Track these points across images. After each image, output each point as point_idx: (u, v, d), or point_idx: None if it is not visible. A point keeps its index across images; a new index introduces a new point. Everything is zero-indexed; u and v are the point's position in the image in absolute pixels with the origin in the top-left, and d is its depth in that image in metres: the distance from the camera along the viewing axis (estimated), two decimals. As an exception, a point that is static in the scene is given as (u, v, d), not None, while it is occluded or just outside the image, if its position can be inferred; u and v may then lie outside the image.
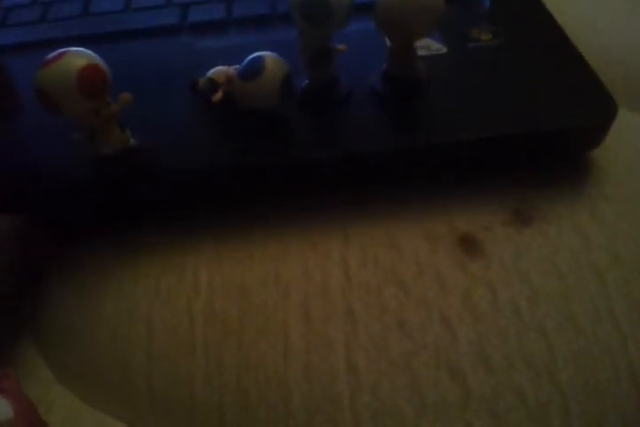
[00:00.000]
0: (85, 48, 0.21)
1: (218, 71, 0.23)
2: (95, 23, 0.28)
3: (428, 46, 0.25)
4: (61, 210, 0.23)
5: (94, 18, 0.28)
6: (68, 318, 0.23)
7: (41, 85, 0.19)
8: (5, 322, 0.22)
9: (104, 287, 0.23)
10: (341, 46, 0.23)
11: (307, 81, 0.24)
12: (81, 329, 0.22)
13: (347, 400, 0.20)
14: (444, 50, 0.25)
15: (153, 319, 0.22)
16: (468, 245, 0.23)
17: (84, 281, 0.23)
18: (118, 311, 0.22)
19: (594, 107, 0.23)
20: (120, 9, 0.29)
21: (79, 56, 0.20)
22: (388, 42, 0.24)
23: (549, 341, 0.20)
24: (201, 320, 0.22)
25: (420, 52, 0.24)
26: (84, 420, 0.21)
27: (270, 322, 0.21)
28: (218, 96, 0.22)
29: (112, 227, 0.24)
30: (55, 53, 0.20)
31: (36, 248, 0.22)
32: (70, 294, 0.23)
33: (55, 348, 0.22)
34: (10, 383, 0.16)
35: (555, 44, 0.25)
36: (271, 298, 0.22)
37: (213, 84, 0.23)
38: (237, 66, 0.22)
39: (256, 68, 0.21)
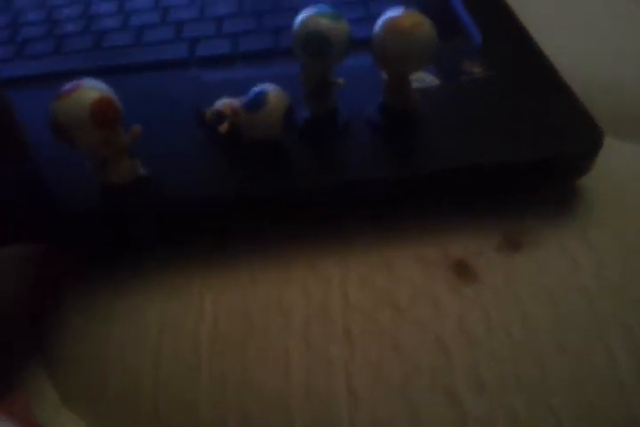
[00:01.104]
0: (97, 80, 0.22)
1: (224, 103, 0.24)
2: (107, 56, 0.30)
3: (423, 79, 0.27)
4: (74, 237, 0.24)
5: (106, 51, 0.30)
6: (77, 342, 0.23)
7: (55, 117, 0.21)
8: (19, 346, 0.22)
9: (113, 313, 0.24)
10: (340, 80, 0.24)
11: (308, 112, 0.25)
12: (89, 354, 0.23)
13: (346, 423, 0.20)
14: (438, 82, 0.27)
15: (160, 345, 0.23)
16: (462, 270, 0.24)
17: (94, 307, 0.24)
18: (126, 337, 0.23)
19: (581, 135, 0.24)
20: (131, 43, 0.30)
21: (92, 89, 0.21)
22: (384, 75, 0.25)
23: (542, 364, 0.21)
24: (206, 345, 0.22)
25: (415, 85, 0.25)
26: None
27: (272, 344, 0.22)
28: (224, 127, 0.23)
29: (122, 253, 0.25)
30: (69, 86, 0.21)
31: (53, 273, 0.22)
32: (80, 319, 0.24)
33: (64, 371, 0.23)
34: (21, 408, 0.16)
35: (542, 75, 0.27)
36: (274, 321, 0.23)
37: (220, 116, 0.24)
38: (242, 97, 0.23)
39: (259, 101, 0.22)
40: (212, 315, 0.23)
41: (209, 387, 0.21)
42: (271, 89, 0.23)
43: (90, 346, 0.23)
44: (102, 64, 0.29)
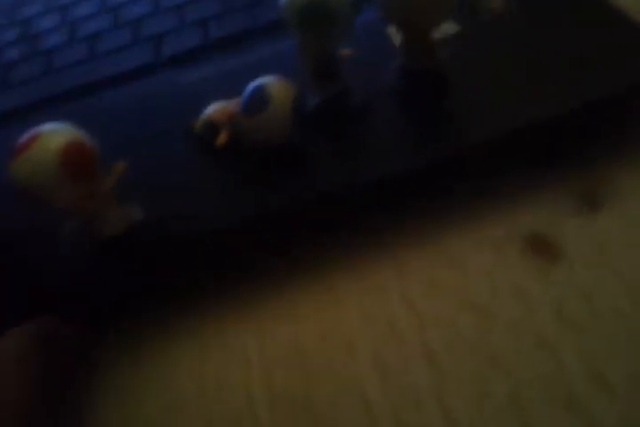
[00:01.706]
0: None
1: (215, 110, 0.20)
2: (63, 79, 0.25)
3: (439, 29, 0.22)
4: (82, 305, 0.20)
5: (61, 73, 0.25)
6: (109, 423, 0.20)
7: (19, 181, 0.16)
8: None
9: (141, 384, 0.20)
10: (348, 50, 0.20)
11: (317, 97, 0.20)
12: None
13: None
14: (457, 28, 0.22)
15: (207, 411, 0.19)
16: (540, 246, 0.20)
17: (116, 383, 0.20)
18: (163, 409, 0.19)
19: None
20: (86, 57, 0.26)
21: (55, 136, 0.17)
22: (394, 36, 0.20)
23: (669, 344, 0.17)
24: (263, 402, 0.19)
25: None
26: None
27: (343, 385, 0.19)
28: (222, 138, 0.19)
29: (137, 313, 0.21)
30: (25, 139, 0.17)
31: (67, 352, 0.19)
32: (103, 399, 0.20)
33: None
34: None
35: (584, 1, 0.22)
36: (336, 356, 0.19)
37: (213, 126, 0.20)
38: (237, 99, 0.19)
39: (261, 100, 0.18)
40: (259, 364, 0.20)
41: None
42: (270, 81, 0.18)
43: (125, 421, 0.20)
44: (59, 90, 0.24)
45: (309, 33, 0.18)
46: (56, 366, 0.17)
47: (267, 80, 0.18)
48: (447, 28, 0.22)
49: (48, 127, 0.17)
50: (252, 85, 0.19)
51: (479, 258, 0.20)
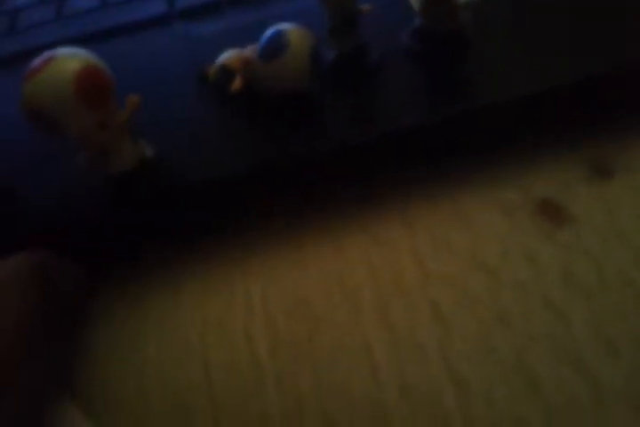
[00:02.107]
0: (75, 47, 0.17)
1: (230, 56, 0.19)
2: (73, 25, 0.25)
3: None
4: (86, 243, 0.19)
5: (71, 20, 0.25)
6: (107, 368, 0.19)
7: (29, 102, 0.16)
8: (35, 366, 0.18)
9: (143, 328, 0.20)
10: (366, 6, 0.19)
11: (334, 51, 0.20)
12: (124, 379, 0.19)
13: (458, 417, 0.17)
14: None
15: (207, 355, 0.19)
16: (551, 211, 0.20)
17: (119, 324, 0.20)
18: (165, 352, 0.19)
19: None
20: (97, 5, 0.25)
21: (71, 58, 0.16)
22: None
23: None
24: (264, 347, 0.19)
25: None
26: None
27: (347, 337, 0.18)
28: (237, 84, 0.19)
29: (141, 257, 0.21)
30: (40, 60, 0.16)
31: (67, 287, 0.18)
32: (107, 341, 0.20)
33: (98, 402, 0.19)
34: None
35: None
36: (341, 307, 0.19)
37: (227, 72, 0.19)
38: (252, 46, 0.19)
39: (279, 45, 0.18)
40: (262, 311, 0.19)
41: (279, 400, 0.18)
42: (289, 28, 0.18)
43: (124, 370, 0.19)
44: (70, 35, 0.24)
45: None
46: (55, 294, 0.17)
47: (285, 26, 0.18)
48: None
49: (63, 51, 0.16)
50: (269, 31, 0.18)
51: (490, 219, 0.20)
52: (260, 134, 0.19)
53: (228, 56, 0.20)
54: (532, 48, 0.20)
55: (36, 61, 0.16)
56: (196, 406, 0.18)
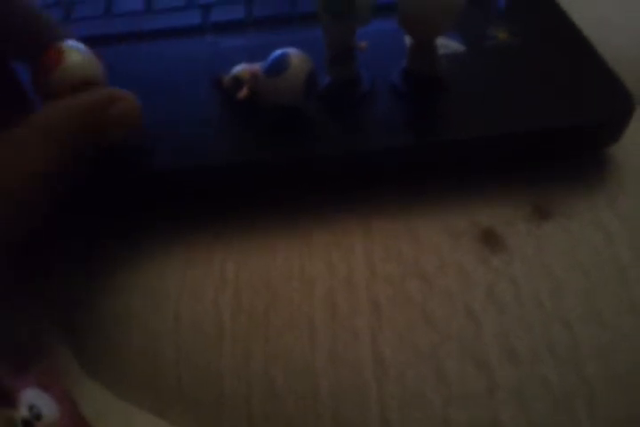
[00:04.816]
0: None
1: (242, 68, 0.23)
2: (117, 23, 0.29)
3: (448, 45, 0.26)
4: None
5: (117, 18, 0.29)
6: (97, 314, 0.23)
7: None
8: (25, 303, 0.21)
9: (131, 283, 0.23)
10: (363, 43, 0.23)
11: (329, 78, 0.24)
12: (110, 325, 0.23)
13: (374, 390, 0.20)
14: (463, 49, 0.26)
15: (180, 313, 0.22)
16: (490, 239, 0.23)
17: (111, 277, 0.24)
18: (146, 306, 0.23)
19: (611, 102, 0.23)
20: (141, 10, 0.29)
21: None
22: (408, 40, 0.24)
23: (574, 333, 0.20)
24: (228, 313, 0.22)
25: (440, 51, 0.25)
26: (114, 411, 0.21)
27: (296, 314, 0.22)
28: (243, 92, 0.23)
29: (137, 222, 0.25)
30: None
31: None
32: (98, 290, 0.24)
33: (85, 342, 0.23)
34: (52, 380, 0.16)
35: (570, 41, 0.26)
36: (296, 291, 0.22)
37: (238, 82, 0.23)
38: (261, 63, 0.23)
39: (281, 64, 0.22)
40: (233, 285, 0.23)
41: (232, 357, 0.21)
42: (293, 52, 0.22)
43: (110, 317, 0.23)
44: (112, 31, 0.28)
45: (331, 20, 0.21)
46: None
47: (291, 50, 0.22)
48: (453, 46, 0.26)
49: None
50: (277, 52, 0.22)
51: (437, 238, 0.23)
52: (250, 136, 0.23)
53: (240, 68, 0.23)
54: (495, 98, 0.24)
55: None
56: (163, 354, 0.22)
